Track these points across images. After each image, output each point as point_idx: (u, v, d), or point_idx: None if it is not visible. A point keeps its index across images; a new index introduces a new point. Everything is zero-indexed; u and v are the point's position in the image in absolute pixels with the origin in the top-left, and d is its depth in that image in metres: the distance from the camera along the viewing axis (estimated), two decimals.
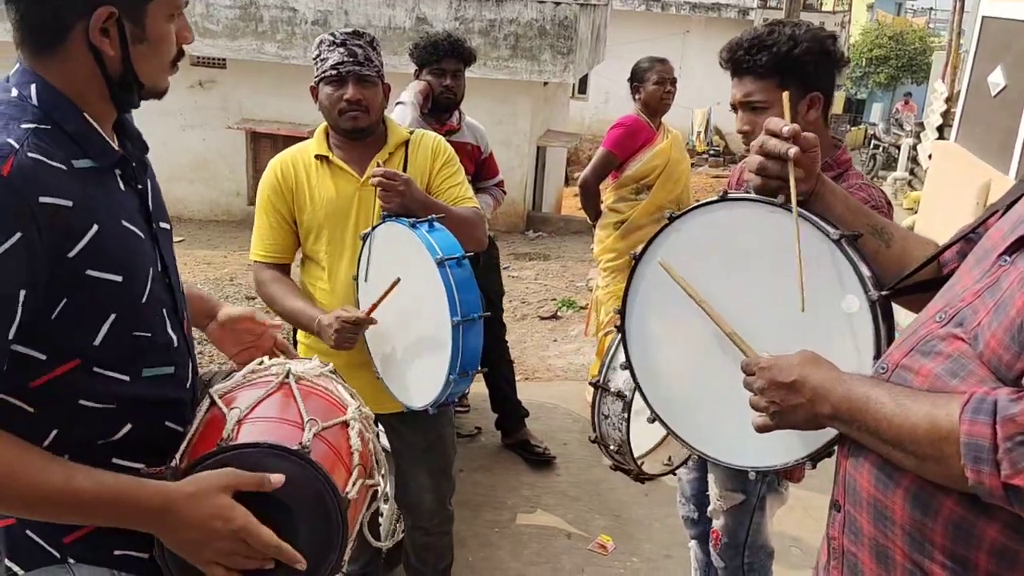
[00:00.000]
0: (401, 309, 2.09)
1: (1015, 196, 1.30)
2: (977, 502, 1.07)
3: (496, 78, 10.10)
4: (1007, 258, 1.15)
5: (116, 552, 1.29)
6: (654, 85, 3.96)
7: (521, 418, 4.05)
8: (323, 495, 1.28)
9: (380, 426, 2.48)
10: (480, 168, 3.73)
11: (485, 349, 3.98)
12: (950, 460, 1.05)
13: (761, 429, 1.31)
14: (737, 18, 18.02)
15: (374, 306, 2.07)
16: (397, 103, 3.35)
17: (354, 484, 1.36)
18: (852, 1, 23.45)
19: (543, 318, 6.62)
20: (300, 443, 1.28)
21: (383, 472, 1.51)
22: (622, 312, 1.64)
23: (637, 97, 4.01)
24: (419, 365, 2.12)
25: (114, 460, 1.26)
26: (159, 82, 1.28)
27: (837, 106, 23.62)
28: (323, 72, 2.18)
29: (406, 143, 2.32)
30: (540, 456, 3.88)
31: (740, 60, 1.91)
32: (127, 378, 1.26)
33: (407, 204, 2.09)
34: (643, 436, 2.14)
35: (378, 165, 2.18)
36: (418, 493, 2.47)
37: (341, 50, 2.16)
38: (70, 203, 1.13)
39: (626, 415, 1.99)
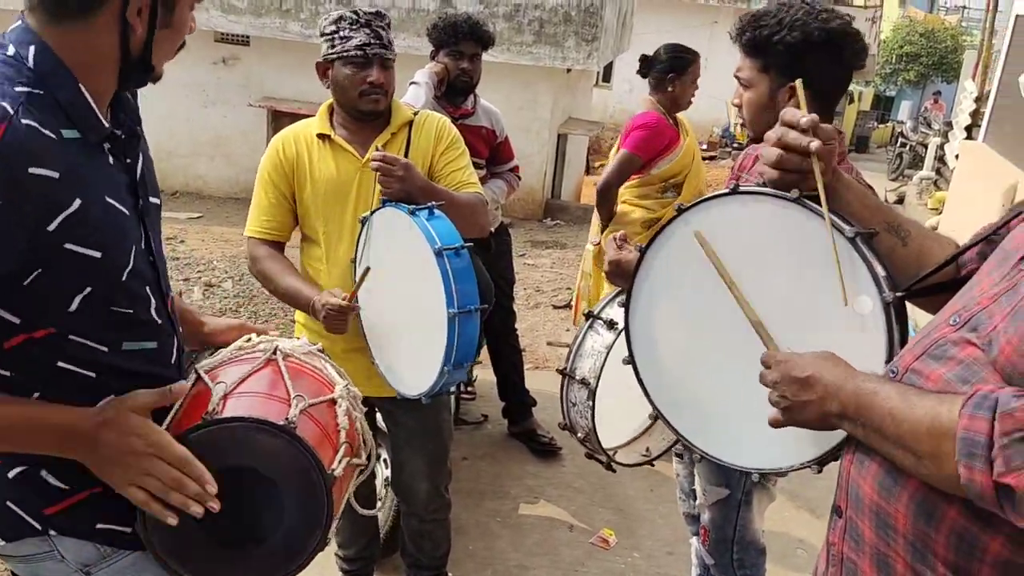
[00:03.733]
0: (398, 297, 2.06)
1: None
2: (981, 513, 1.03)
3: (519, 63, 10.01)
4: None
5: (99, 526, 1.29)
6: (692, 83, 3.79)
7: (528, 407, 4.02)
8: (309, 472, 1.27)
9: (376, 410, 2.46)
10: (495, 152, 3.68)
11: (494, 337, 3.98)
12: (945, 457, 1.01)
13: (775, 424, 1.27)
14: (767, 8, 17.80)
15: (353, 293, 2.05)
16: (411, 83, 3.30)
17: (340, 462, 1.35)
18: None
19: (556, 307, 6.57)
20: (286, 418, 1.28)
21: (370, 452, 1.50)
22: (626, 304, 1.60)
23: (670, 89, 3.74)
24: (414, 354, 2.09)
25: None
26: (160, 68, 1.28)
27: (866, 102, 23.38)
28: (345, 51, 2.13)
29: (409, 124, 2.28)
30: (546, 446, 3.85)
31: (738, 34, 1.93)
32: (105, 349, 1.25)
33: (407, 189, 2.04)
34: (623, 426, 2.11)
35: (378, 148, 2.14)
36: (413, 479, 2.45)
37: (366, 31, 2.12)
38: (57, 175, 1.11)
39: (591, 403, 1.96)
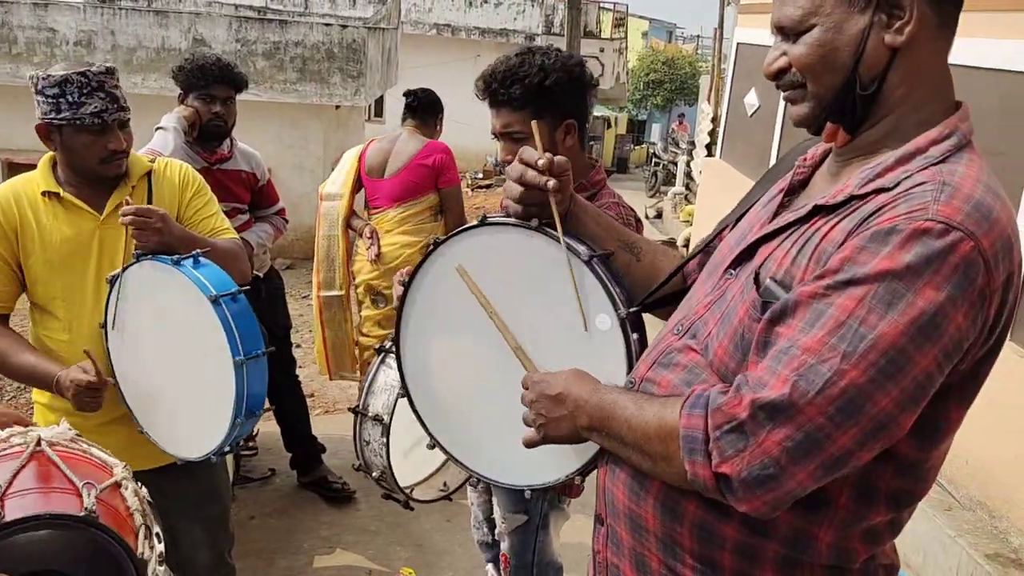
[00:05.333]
0: (168, 354, 1.94)
1: (741, 211, 1.40)
2: (715, 504, 1.12)
3: (284, 101, 9.79)
4: (732, 271, 1.23)
5: None
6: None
7: (318, 455, 3.90)
8: (119, 562, 1.21)
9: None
10: (257, 196, 3.56)
11: (274, 386, 3.82)
12: (674, 456, 1.10)
13: (529, 443, 1.33)
14: (525, 43, 18.72)
15: (101, 368, 1.89)
16: (157, 128, 3.12)
17: (143, 544, 1.30)
18: (628, 29, 25.11)
19: None
20: (85, 509, 1.20)
21: (157, 531, 1.41)
22: (396, 339, 1.61)
23: (437, 128, 4.00)
24: (197, 411, 1.97)
25: None
26: None
27: (621, 126, 25.22)
28: (77, 118, 1.93)
29: (148, 174, 2.15)
30: (338, 492, 3.75)
31: (496, 92, 1.93)
32: None
33: (166, 241, 1.92)
34: (419, 464, 2.11)
35: (126, 202, 1.98)
36: (192, 549, 2.28)
37: (100, 95, 1.94)
38: None
39: (385, 439, 1.96)
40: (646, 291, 1.45)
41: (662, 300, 1.46)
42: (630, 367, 1.33)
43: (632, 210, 2.07)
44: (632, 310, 1.36)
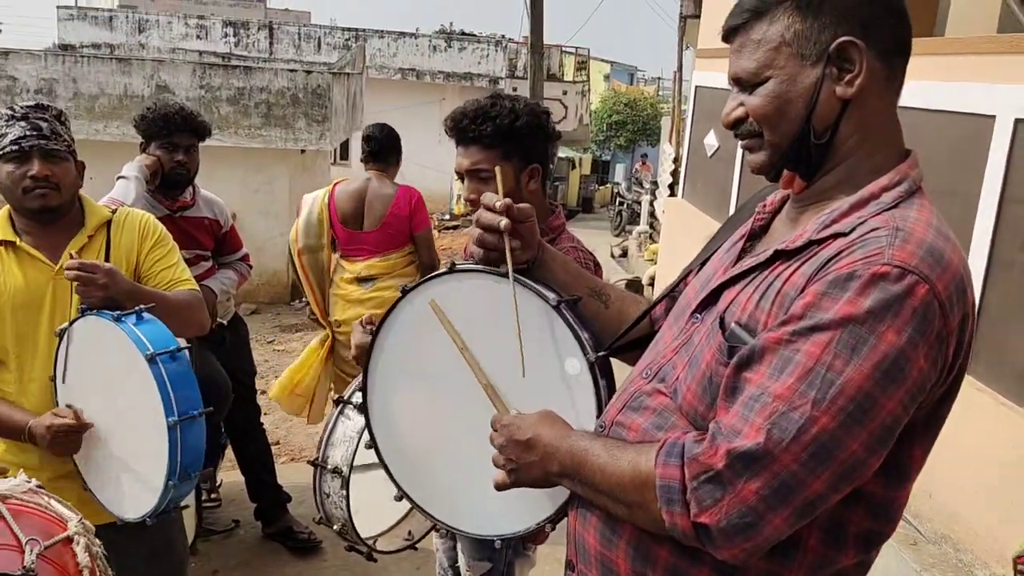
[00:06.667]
0: (109, 412, 1.90)
1: (706, 256, 1.43)
2: (687, 549, 1.12)
3: (250, 147, 9.78)
4: (698, 316, 1.25)
5: None
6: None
7: (283, 504, 3.82)
8: None
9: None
10: (221, 243, 3.54)
11: (238, 435, 3.76)
12: (650, 505, 1.10)
13: (499, 487, 1.32)
14: (488, 87, 18.99)
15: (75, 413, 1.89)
16: (118, 177, 3.09)
17: None
18: (590, 72, 25.58)
19: None
20: (23, 567, 1.18)
21: None
22: (364, 387, 1.59)
23: (397, 166, 4.07)
24: (133, 471, 1.93)
25: None
26: None
27: (586, 167, 25.54)
28: (2, 149, 1.95)
29: (107, 224, 2.13)
30: (304, 543, 3.67)
31: (466, 130, 1.94)
32: None
33: (111, 296, 1.90)
34: (382, 513, 2.08)
35: (72, 256, 1.97)
36: None
37: (23, 124, 1.96)
38: None
39: (345, 492, 1.93)
40: (614, 337, 1.46)
41: (629, 345, 1.47)
42: (600, 410, 1.33)
43: (591, 254, 2.09)
44: (600, 354, 1.37)
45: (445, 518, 1.57)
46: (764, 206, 1.32)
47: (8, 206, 2.05)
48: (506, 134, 1.93)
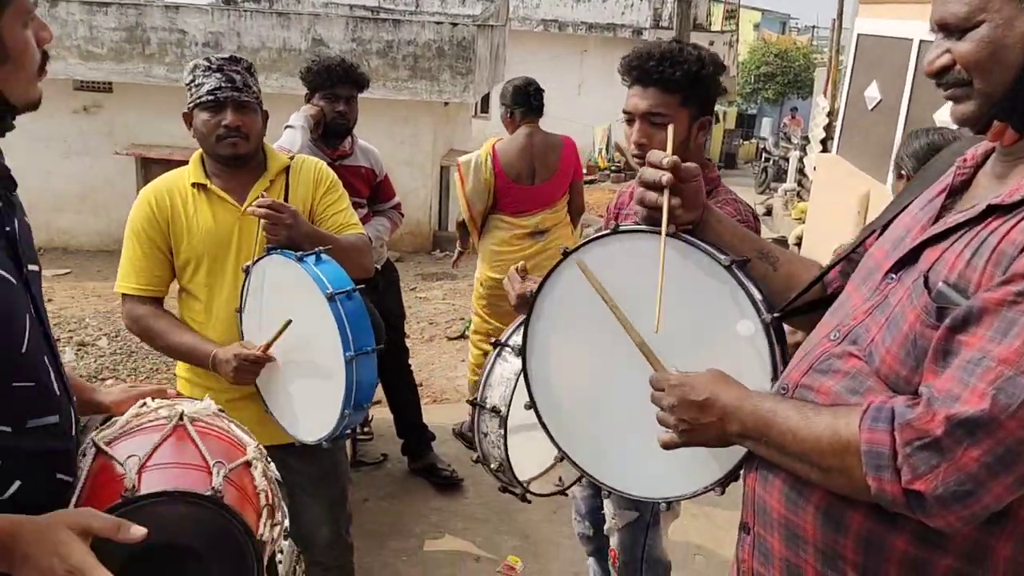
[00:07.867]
0: (291, 343, 2.04)
1: (891, 216, 1.36)
2: (885, 515, 1.09)
3: (396, 99, 10.06)
4: (893, 276, 1.19)
5: None
6: None
7: (428, 442, 4.01)
8: (239, 541, 1.25)
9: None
10: (376, 191, 3.69)
11: (388, 375, 3.95)
12: (853, 470, 1.07)
13: (667, 445, 1.31)
14: (632, 37, 18.53)
15: (268, 344, 2.03)
16: (286, 127, 3.28)
17: (265, 526, 1.33)
18: (739, 21, 24.48)
19: (451, 338, 6.58)
20: (211, 487, 1.24)
21: (283, 508, 1.47)
22: (523, 348, 1.61)
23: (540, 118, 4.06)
24: (311, 399, 2.07)
25: None
26: (31, 95, 1.19)
27: (730, 121, 24.62)
28: (199, 98, 2.11)
29: (286, 170, 2.27)
30: (447, 480, 3.84)
31: (650, 71, 1.87)
32: (9, 429, 1.16)
33: (293, 236, 2.03)
34: (534, 459, 2.13)
35: (262, 195, 2.12)
36: (313, 525, 2.39)
37: (218, 75, 2.10)
38: None
39: (503, 431, 1.97)
40: (783, 300, 1.41)
41: (800, 308, 1.42)
42: (775, 373, 1.30)
43: (750, 207, 2.04)
44: (776, 315, 1.33)
45: (608, 480, 1.56)
46: (964, 160, 1.23)
47: (199, 151, 2.23)
48: (692, 80, 1.87)
